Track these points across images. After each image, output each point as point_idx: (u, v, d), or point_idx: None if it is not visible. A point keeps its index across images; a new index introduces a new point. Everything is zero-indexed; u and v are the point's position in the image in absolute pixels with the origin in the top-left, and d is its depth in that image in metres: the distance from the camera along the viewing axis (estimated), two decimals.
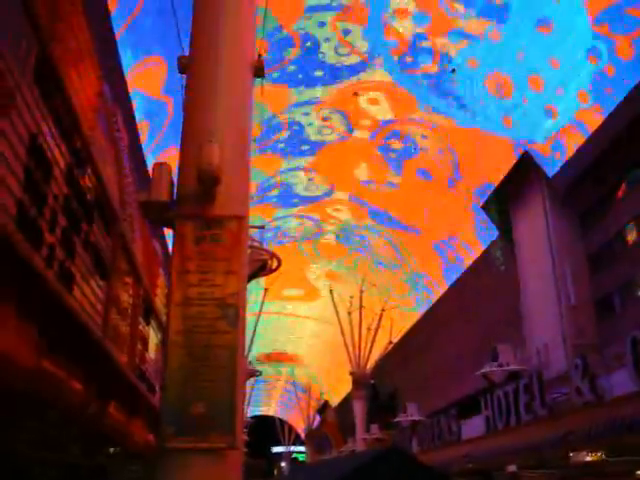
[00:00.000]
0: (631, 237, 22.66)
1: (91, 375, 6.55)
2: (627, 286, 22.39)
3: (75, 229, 5.53)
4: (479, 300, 33.26)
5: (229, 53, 6.49)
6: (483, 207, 29.87)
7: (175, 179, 6.02)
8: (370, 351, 43.60)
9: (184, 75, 6.60)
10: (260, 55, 7.01)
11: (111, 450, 9.86)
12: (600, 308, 24.31)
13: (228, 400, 5.14)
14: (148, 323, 10.00)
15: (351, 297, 43.62)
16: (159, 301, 10.81)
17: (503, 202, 29.21)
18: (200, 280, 5.50)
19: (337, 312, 43.34)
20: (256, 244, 16.45)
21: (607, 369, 17.30)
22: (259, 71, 6.81)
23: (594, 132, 21.53)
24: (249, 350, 33.91)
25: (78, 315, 5.55)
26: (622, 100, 19.74)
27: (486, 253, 32.24)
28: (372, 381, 47.03)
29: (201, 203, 5.74)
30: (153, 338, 10.43)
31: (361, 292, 42.85)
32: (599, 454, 17.17)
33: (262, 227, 21.93)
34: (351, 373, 44.67)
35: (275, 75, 25.39)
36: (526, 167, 25.74)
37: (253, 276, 16.01)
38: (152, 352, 10.29)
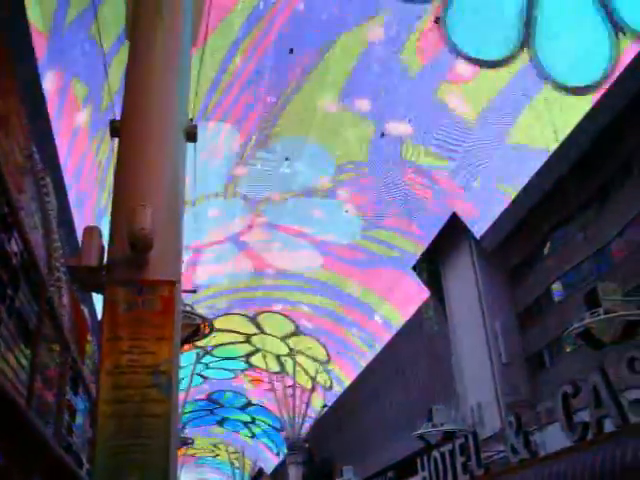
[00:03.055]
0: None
1: (13, 449, 6.23)
2: (556, 342, 22.87)
3: None
4: (414, 360, 33.38)
5: (161, 117, 6.50)
6: (414, 268, 30.25)
7: (106, 243, 5.91)
8: (305, 415, 43.05)
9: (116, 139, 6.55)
10: (192, 119, 7.04)
11: None
12: (531, 364, 24.73)
13: (161, 471, 4.95)
14: (76, 392, 9.64)
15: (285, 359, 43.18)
16: (87, 369, 10.46)
17: (433, 262, 29.68)
18: (131, 347, 5.33)
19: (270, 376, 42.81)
20: (188, 308, 16.25)
21: (540, 425, 17.47)
22: (191, 135, 6.83)
23: (520, 192, 22.27)
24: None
25: (0, 385, 5.30)
26: (546, 160, 20.54)
27: (418, 313, 32.53)
28: (307, 445, 46.31)
29: (133, 268, 5.63)
30: (81, 408, 10.04)
31: (294, 355, 42.48)
32: None
33: (194, 291, 21.59)
34: (285, 438, 43.94)
35: None
36: (455, 228, 26.33)
37: (185, 341, 15.74)
38: (80, 423, 9.90)
